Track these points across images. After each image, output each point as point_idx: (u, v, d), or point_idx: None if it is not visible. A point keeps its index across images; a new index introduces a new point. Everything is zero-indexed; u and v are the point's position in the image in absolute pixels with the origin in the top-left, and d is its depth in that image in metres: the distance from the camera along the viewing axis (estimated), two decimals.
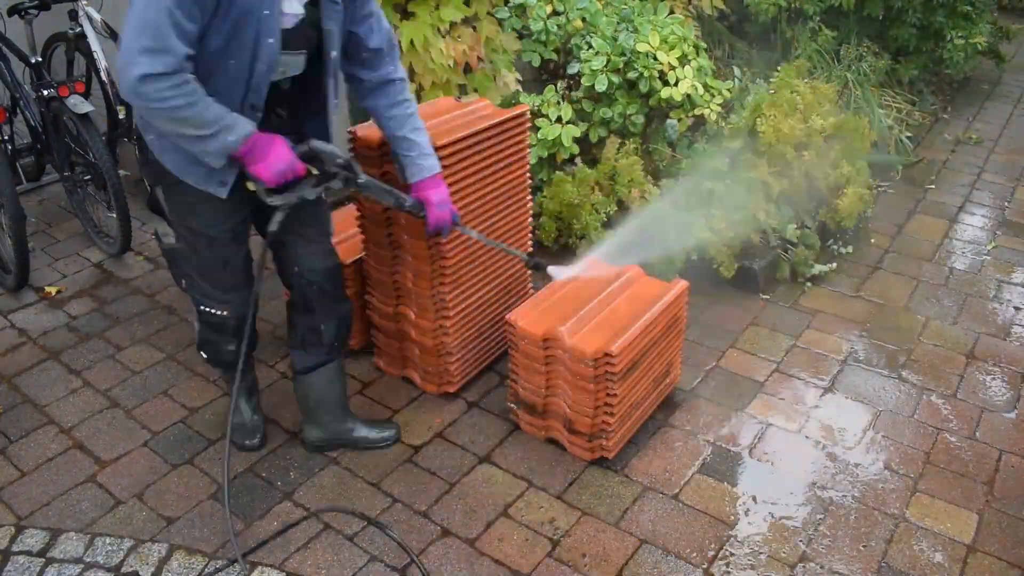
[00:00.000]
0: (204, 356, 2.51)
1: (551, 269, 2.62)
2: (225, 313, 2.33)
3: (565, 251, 3.62)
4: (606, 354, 2.34)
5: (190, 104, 1.83)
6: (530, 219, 2.90)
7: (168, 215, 2.32)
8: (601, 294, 2.59)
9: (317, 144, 2.09)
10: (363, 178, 2.19)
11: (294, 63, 2.04)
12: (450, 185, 2.42)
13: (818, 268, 3.48)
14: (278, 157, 2.00)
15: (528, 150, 2.78)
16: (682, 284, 2.67)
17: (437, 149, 2.36)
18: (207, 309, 2.34)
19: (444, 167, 2.38)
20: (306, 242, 2.31)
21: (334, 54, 2.08)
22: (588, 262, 2.70)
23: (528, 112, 2.73)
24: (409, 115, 2.27)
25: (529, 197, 2.85)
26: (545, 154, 3.61)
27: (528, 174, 2.81)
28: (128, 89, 1.81)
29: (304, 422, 2.56)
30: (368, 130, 2.49)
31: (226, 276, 2.29)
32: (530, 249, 2.95)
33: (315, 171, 2.11)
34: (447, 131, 2.48)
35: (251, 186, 2.09)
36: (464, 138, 2.49)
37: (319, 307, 2.36)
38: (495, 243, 2.61)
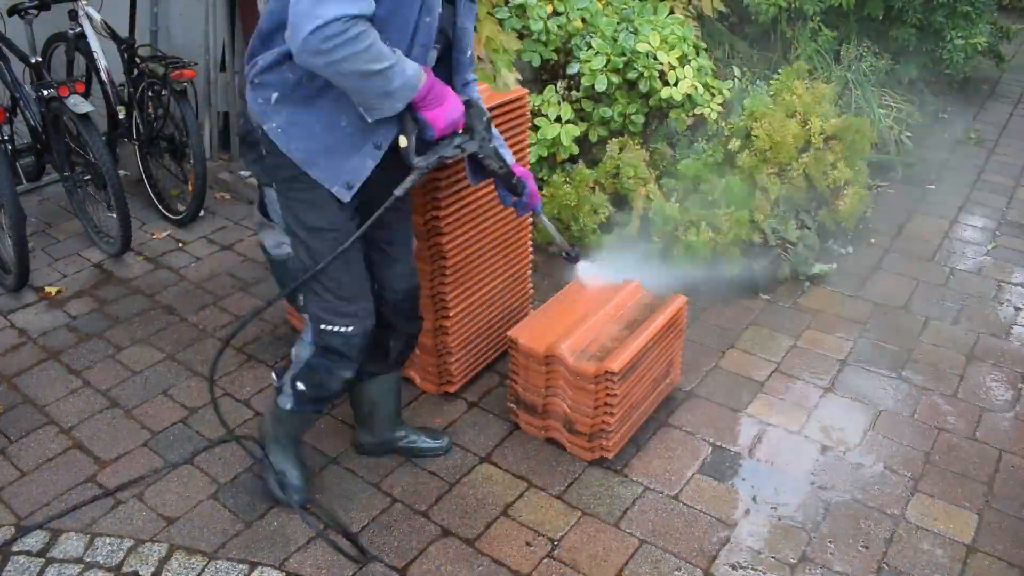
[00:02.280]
0: (300, 388, 2.19)
1: (580, 267, 2.64)
2: (350, 329, 2.08)
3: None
4: (607, 371, 2.37)
5: (373, 43, 1.73)
6: (530, 218, 2.90)
7: (283, 216, 2.07)
8: (601, 309, 2.61)
9: (476, 96, 2.06)
10: (493, 141, 2.13)
11: (433, 56, 1.99)
12: (449, 176, 2.43)
13: (818, 268, 3.48)
14: (454, 105, 1.93)
15: (527, 136, 2.74)
16: (680, 300, 2.68)
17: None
18: (330, 328, 2.08)
19: None
20: (391, 260, 2.24)
21: (469, 53, 2.08)
22: (610, 274, 2.73)
23: (527, 97, 2.70)
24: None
25: None
26: (545, 153, 3.61)
27: (528, 163, 2.79)
28: (314, 35, 1.66)
29: (358, 425, 2.54)
30: None
31: (350, 281, 2.08)
32: (530, 250, 2.95)
33: (459, 129, 2.02)
34: None
35: (403, 142, 1.93)
36: None
37: (392, 324, 2.30)
38: (553, 231, 2.55)
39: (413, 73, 1.83)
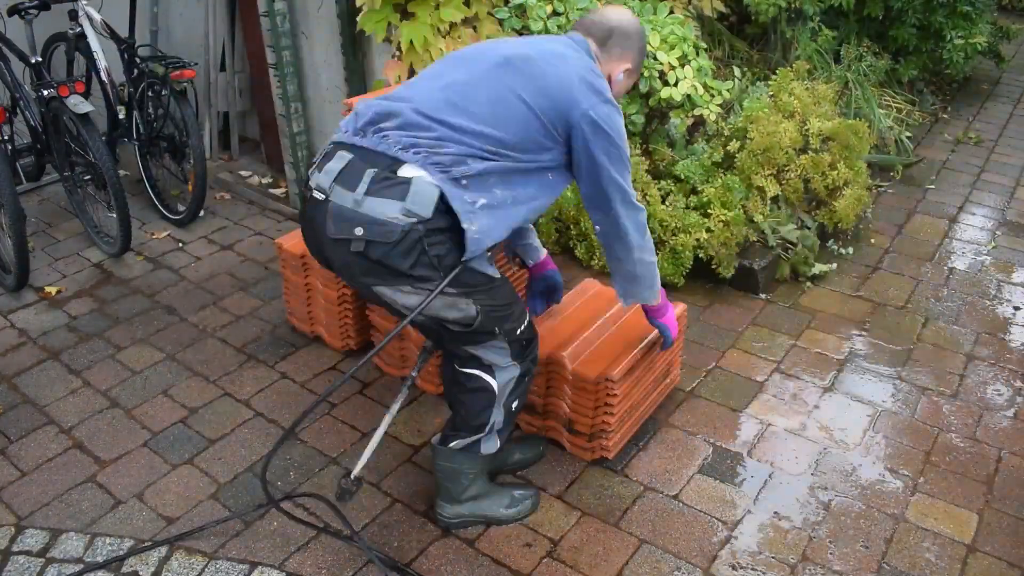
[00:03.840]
0: (515, 406, 2.19)
1: None
2: (527, 317, 2.15)
3: (566, 252, 3.62)
4: (607, 379, 2.38)
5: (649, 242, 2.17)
6: None
7: (469, 290, 1.97)
8: (600, 318, 2.62)
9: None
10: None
11: None
12: None
13: (818, 268, 3.48)
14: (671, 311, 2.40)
15: None
16: (680, 308, 2.69)
17: None
18: (521, 326, 2.10)
19: None
20: None
21: None
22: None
23: None
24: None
25: None
26: None
27: None
28: (639, 230, 2.09)
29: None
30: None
31: (507, 287, 2.11)
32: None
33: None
34: None
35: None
36: None
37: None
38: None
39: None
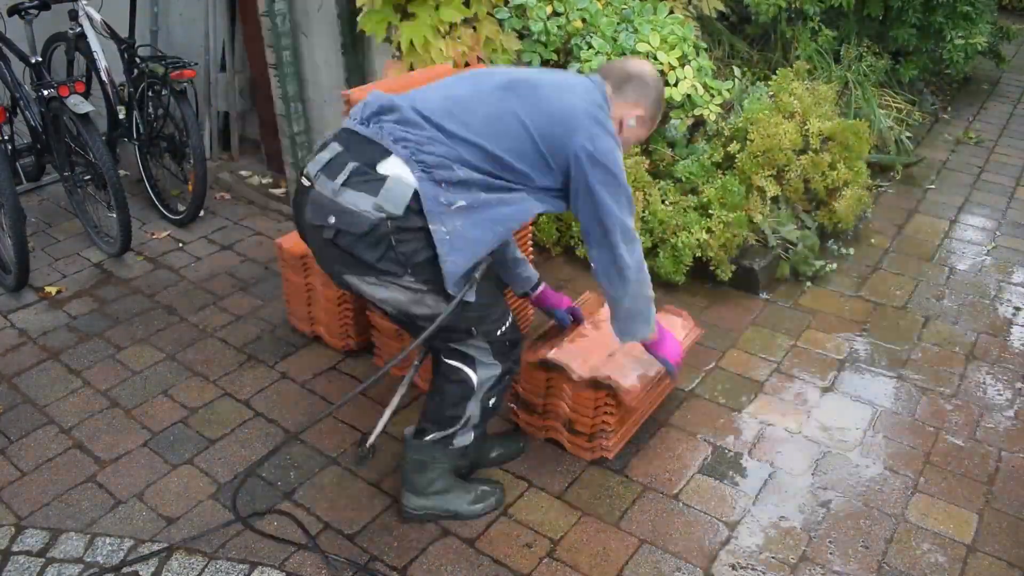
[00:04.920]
0: (492, 403, 2.20)
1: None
2: (511, 317, 2.16)
3: (566, 252, 3.62)
4: (610, 388, 2.38)
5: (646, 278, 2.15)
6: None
7: (439, 287, 1.97)
8: (604, 326, 2.61)
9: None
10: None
11: None
12: None
13: (818, 268, 3.48)
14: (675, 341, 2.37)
15: None
16: (696, 333, 2.74)
17: None
18: (503, 327, 2.12)
19: None
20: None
21: None
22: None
23: None
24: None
25: None
26: None
27: None
28: (637, 266, 2.08)
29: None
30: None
31: (492, 287, 2.17)
32: (530, 250, 2.95)
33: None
34: None
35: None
36: None
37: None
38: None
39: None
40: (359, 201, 1.87)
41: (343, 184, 1.88)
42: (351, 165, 1.89)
